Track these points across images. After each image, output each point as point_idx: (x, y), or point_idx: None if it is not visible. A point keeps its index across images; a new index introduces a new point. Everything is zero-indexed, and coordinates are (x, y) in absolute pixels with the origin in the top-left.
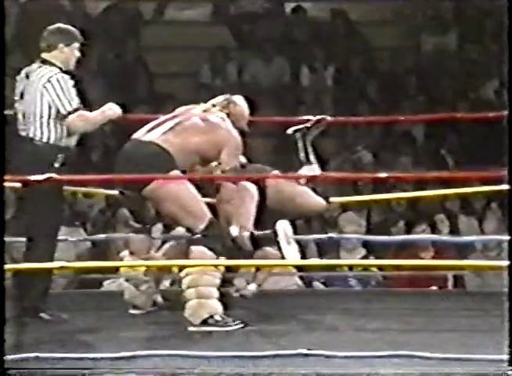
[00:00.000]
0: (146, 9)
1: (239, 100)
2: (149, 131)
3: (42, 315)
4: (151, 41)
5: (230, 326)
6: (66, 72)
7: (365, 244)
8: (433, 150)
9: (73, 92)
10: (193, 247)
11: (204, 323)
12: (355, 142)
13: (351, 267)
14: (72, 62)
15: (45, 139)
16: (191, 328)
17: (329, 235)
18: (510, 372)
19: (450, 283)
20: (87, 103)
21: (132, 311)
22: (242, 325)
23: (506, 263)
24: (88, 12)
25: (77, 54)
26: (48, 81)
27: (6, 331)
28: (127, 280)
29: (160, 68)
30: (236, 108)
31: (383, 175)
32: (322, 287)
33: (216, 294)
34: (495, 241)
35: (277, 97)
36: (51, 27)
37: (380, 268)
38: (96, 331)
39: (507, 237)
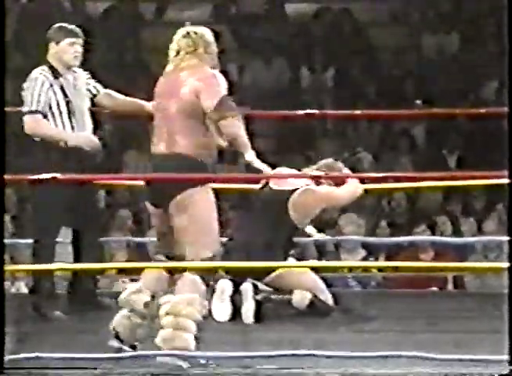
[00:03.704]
0: (146, 10)
1: None
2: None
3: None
4: (151, 42)
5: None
6: (54, 71)
7: (365, 245)
8: (434, 151)
9: (41, 91)
10: (187, 274)
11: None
12: (355, 144)
13: (350, 268)
14: (69, 59)
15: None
16: (159, 358)
17: (330, 237)
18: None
19: (450, 284)
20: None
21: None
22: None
23: (506, 265)
24: (88, 13)
25: (76, 49)
26: (27, 81)
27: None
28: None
29: (161, 69)
30: None
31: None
32: None
33: (194, 328)
34: (495, 242)
35: (277, 98)
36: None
37: (380, 269)
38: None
39: (507, 238)
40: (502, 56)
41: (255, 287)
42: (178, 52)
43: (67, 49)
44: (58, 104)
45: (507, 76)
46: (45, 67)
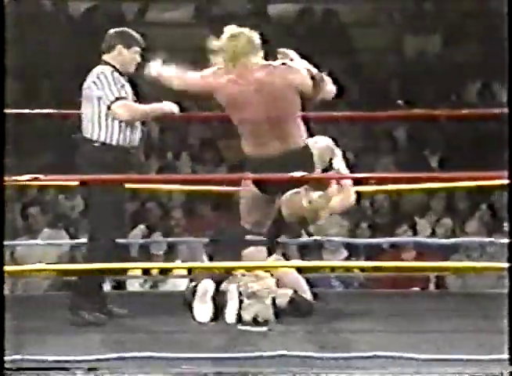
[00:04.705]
0: (128, 10)
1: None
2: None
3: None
4: None
5: None
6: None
7: (348, 246)
8: (415, 151)
9: (122, 86)
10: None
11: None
12: (337, 144)
13: (333, 268)
14: (131, 65)
15: (102, 139)
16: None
17: (314, 238)
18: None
19: (432, 285)
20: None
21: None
22: None
23: (506, 265)
24: (70, 13)
25: (138, 58)
26: (97, 77)
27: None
28: (248, 298)
29: (143, 69)
30: None
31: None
32: None
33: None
34: (477, 242)
35: None
36: (112, 30)
37: (362, 269)
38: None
39: (491, 239)
40: (485, 57)
41: None
42: (236, 55)
43: (132, 56)
44: None
45: (507, 76)
46: (109, 67)
